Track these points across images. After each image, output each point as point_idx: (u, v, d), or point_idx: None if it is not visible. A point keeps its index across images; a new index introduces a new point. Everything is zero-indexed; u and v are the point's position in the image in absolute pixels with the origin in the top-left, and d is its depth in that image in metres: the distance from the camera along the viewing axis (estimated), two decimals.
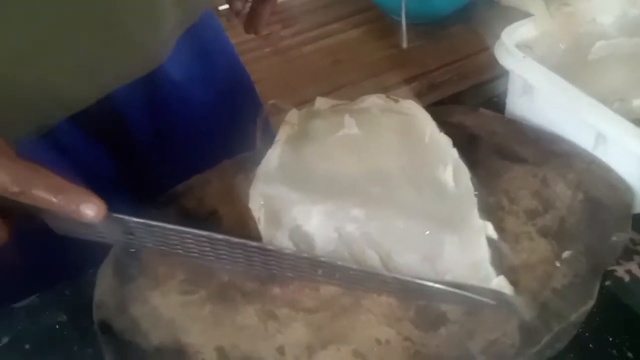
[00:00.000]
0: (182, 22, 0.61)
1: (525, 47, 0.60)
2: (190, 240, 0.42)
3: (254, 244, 0.40)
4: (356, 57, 1.16)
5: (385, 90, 1.11)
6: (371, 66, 1.14)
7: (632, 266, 0.51)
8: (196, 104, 0.66)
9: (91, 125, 0.58)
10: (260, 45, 1.20)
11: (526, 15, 0.63)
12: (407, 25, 1.16)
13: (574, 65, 0.61)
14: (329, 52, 1.17)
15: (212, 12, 0.71)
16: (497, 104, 0.70)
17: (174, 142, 0.65)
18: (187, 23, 0.62)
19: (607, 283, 0.48)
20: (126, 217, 0.41)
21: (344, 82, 1.09)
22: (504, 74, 0.61)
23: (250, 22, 0.67)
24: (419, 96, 1.15)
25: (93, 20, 0.49)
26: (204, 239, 0.41)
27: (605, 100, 0.57)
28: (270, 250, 0.41)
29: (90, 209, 0.37)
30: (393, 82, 1.11)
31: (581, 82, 0.57)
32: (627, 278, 0.50)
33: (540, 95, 0.56)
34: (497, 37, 0.72)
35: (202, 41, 0.67)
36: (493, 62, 1.16)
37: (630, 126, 0.49)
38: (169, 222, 0.41)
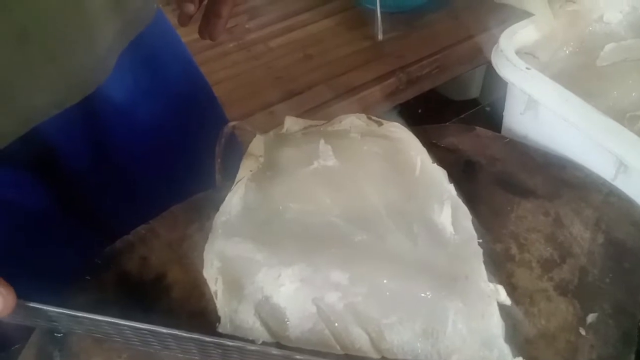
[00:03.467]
0: (123, 35, 0.50)
1: (526, 54, 0.52)
2: (128, 332, 0.33)
3: (209, 339, 0.31)
4: (328, 52, 1.06)
5: (361, 88, 1.03)
6: (344, 61, 1.04)
7: None
8: (143, 127, 0.55)
9: (17, 158, 0.48)
10: (224, 40, 1.09)
11: (524, 14, 0.54)
12: (382, 14, 1.06)
13: (582, 72, 0.53)
14: (299, 46, 1.07)
15: (161, 10, 0.60)
16: (489, 117, 0.62)
17: (118, 174, 0.55)
18: (129, 35, 0.51)
19: None
20: (44, 307, 0.32)
21: (316, 80, 1.00)
22: (491, 68, 0.52)
23: (206, 27, 0.57)
24: (396, 92, 1.07)
25: (4, 40, 0.38)
26: (145, 331, 0.32)
27: (620, 115, 0.49)
28: (230, 347, 0.32)
29: None
30: (369, 78, 1.02)
31: (591, 93, 0.49)
32: None
33: (547, 113, 0.48)
34: (485, 30, 0.64)
35: (150, 50, 0.56)
36: (475, 53, 1.06)
37: None
38: (101, 307, 0.32)
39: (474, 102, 1.34)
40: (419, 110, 1.32)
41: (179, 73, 0.62)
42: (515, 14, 0.55)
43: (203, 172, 0.50)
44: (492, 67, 0.51)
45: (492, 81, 1.22)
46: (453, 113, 0.70)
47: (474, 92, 1.33)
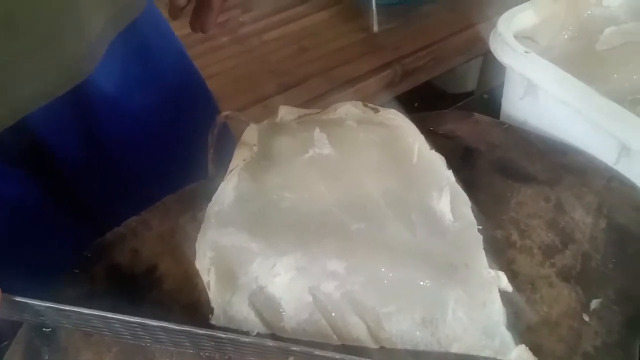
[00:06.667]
0: (114, 24, 0.49)
1: (524, 37, 0.51)
2: (117, 326, 0.31)
3: (201, 331, 0.30)
4: (323, 44, 1.05)
5: (356, 80, 1.01)
6: (340, 53, 1.03)
7: None
8: (134, 118, 0.54)
9: (6, 150, 0.46)
10: (217, 34, 1.08)
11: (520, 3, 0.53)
12: (377, 6, 1.05)
13: (581, 56, 0.52)
14: (294, 39, 1.06)
15: (152, 0, 0.59)
16: (486, 105, 0.61)
17: (110, 166, 0.54)
18: (120, 24, 0.50)
19: None
20: (30, 301, 0.31)
21: (311, 73, 0.99)
22: (488, 60, 0.51)
23: (197, 18, 0.55)
24: (392, 84, 1.06)
25: None
26: (134, 325, 0.31)
27: (621, 99, 0.48)
28: (223, 339, 0.31)
29: None
30: (364, 70, 1.01)
31: (590, 78, 0.48)
32: None
33: (547, 97, 0.47)
34: (486, 19, 0.63)
35: (141, 39, 0.55)
36: (470, 45, 1.05)
37: None
38: (92, 300, 0.31)
39: (470, 95, 1.33)
40: (415, 104, 1.31)
41: (171, 64, 0.60)
42: (510, 6, 0.54)
43: (195, 163, 0.49)
44: (489, 59, 0.50)
45: (489, 73, 1.21)
46: (450, 106, 0.70)
47: (470, 85, 1.32)
